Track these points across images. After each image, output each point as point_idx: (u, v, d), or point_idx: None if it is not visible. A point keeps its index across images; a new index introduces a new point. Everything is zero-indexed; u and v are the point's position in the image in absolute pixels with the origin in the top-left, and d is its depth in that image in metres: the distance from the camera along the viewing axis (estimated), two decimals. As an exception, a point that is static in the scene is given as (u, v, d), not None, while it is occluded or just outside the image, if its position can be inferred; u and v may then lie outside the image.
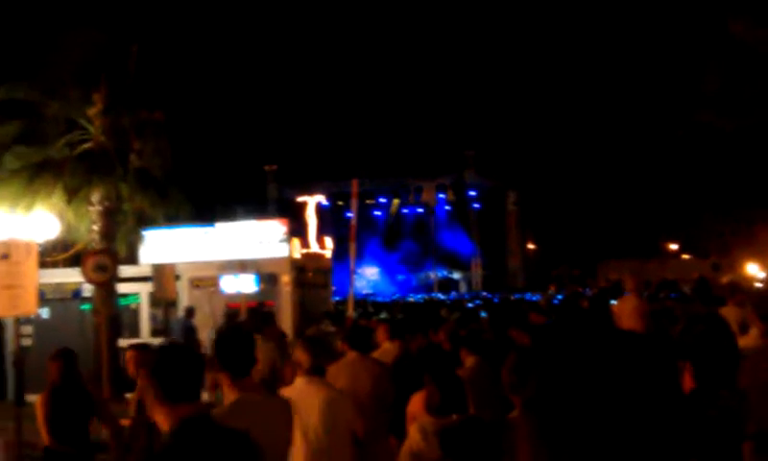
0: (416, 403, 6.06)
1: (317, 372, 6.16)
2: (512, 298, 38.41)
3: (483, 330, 11.08)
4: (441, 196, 63.20)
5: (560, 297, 31.74)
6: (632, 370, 1.52)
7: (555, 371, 1.55)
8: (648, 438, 1.50)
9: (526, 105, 71.28)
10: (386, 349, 8.89)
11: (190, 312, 18.39)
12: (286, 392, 6.29)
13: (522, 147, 63.71)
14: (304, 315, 19.12)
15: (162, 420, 3.78)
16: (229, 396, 4.81)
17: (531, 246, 66.90)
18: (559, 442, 1.51)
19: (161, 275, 17.88)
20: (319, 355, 6.21)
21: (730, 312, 10.04)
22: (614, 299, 15.37)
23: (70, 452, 7.69)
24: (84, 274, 15.80)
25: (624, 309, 11.23)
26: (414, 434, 5.35)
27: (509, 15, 79.12)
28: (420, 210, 65.59)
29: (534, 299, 33.22)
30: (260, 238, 20.11)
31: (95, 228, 19.55)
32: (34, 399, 8.39)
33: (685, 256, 58.57)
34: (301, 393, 6.11)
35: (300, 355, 6.25)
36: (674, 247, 61.82)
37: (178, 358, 3.90)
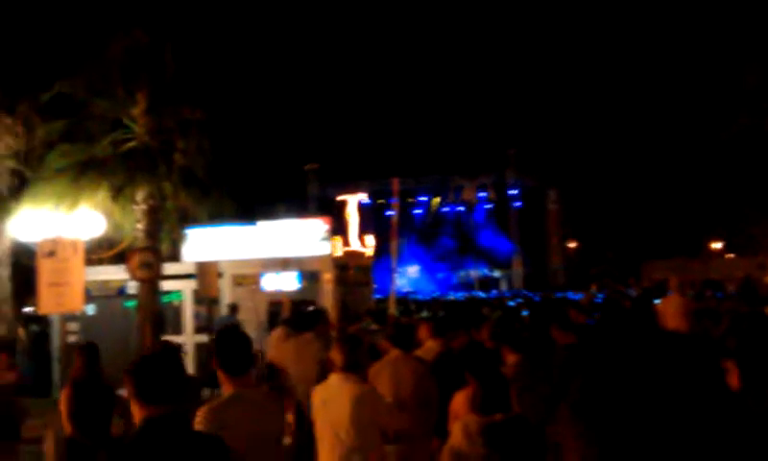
0: (459, 402, 6.06)
1: (351, 369, 6.18)
2: (554, 296, 38.21)
3: (524, 329, 11.05)
4: (481, 195, 63.02)
5: (601, 296, 31.53)
6: (678, 370, 1.52)
7: (600, 374, 1.55)
8: (697, 437, 1.50)
9: (567, 103, 71.00)
10: (429, 347, 8.88)
11: (234, 309, 18.53)
12: (319, 389, 6.34)
13: (564, 146, 63.49)
14: (346, 313, 19.17)
15: (135, 417, 3.99)
16: (227, 391, 5.11)
17: (572, 244, 66.49)
18: (607, 444, 1.52)
19: (204, 272, 18.02)
20: (353, 353, 6.23)
21: (775, 311, 9.95)
22: (658, 298, 15.26)
23: (90, 445, 7.82)
24: (130, 271, 16.01)
25: (668, 309, 11.17)
26: (456, 432, 5.36)
27: (552, 14, 78.81)
28: (461, 209, 65.49)
29: (576, 298, 33.04)
30: (302, 236, 20.20)
31: (139, 226, 19.74)
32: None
33: (730, 256, 57.83)
34: (333, 389, 6.16)
35: (335, 353, 6.31)
36: (718, 246, 61.06)
37: (153, 361, 4.07)
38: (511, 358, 7.20)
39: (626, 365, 1.61)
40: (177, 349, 7.73)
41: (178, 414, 4.05)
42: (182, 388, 4.15)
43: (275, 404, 5.51)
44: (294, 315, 15.12)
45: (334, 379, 6.21)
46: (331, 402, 6.10)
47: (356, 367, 6.22)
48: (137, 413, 3.99)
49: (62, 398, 8.25)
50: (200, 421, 4.86)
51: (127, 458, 3.93)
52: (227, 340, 5.33)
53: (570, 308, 13.64)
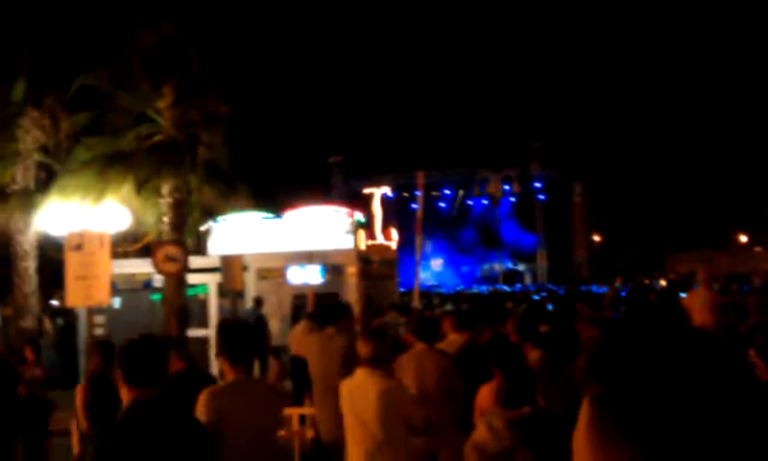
0: (484, 395, 6.04)
1: (377, 363, 6.17)
2: (578, 290, 38.11)
3: (545, 323, 11.03)
4: (506, 187, 62.75)
5: (626, 289, 31.43)
6: (707, 370, 1.51)
7: (628, 368, 1.54)
8: (727, 435, 1.49)
9: (592, 96, 70.59)
10: (452, 340, 8.90)
11: (259, 302, 18.56)
12: (346, 382, 6.34)
13: (588, 138, 63.17)
14: (370, 307, 19.14)
15: (124, 399, 4.40)
16: (228, 378, 5.52)
17: (597, 238, 66.23)
18: (638, 438, 1.51)
19: (229, 266, 18.06)
20: (379, 347, 6.23)
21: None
22: (684, 292, 15.18)
23: None
24: (155, 264, 16.06)
25: (694, 303, 11.08)
26: (480, 427, 5.35)
27: (577, 6, 78.35)
28: (486, 202, 65.29)
29: (600, 291, 32.94)
30: (326, 229, 20.20)
31: (165, 219, 19.85)
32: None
33: (757, 249, 57.48)
34: (359, 384, 6.15)
35: (361, 347, 6.29)
36: (744, 239, 60.69)
37: (139, 348, 4.49)
38: (533, 355, 7.18)
39: (652, 362, 1.59)
40: (164, 339, 8.06)
41: (163, 397, 4.43)
42: (162, 370, 4.56)
43: (274, 395, 5.92)
44: (317, 309, 15.14)
45: (360, 374, 6.21)
46: (358, 397, 6.10)
47: (382, 361, 6.21)
48: (126, 396, 4.37)
49: (77, 391, 8.41)
50: (200, 404, 5.20)
51: (115, 436, 4.28)
52: (229, 331, 5.73)
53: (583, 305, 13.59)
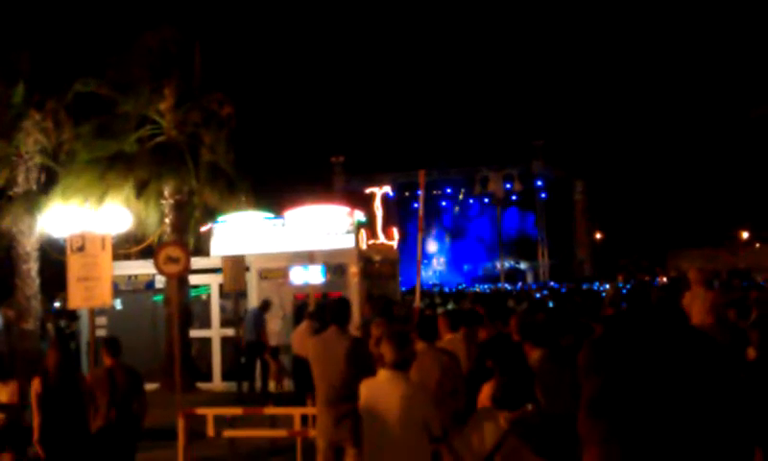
0: (486, 394, 6.06)
1: (399, 366, 6.11)
2: (580, 287, 38.13)
3: (548, 320, 11.04)
4: (508, 186, 62.72)
5: (628, 287, 31.42)
6: (703, 378, 1.52)
7: (622, 373, 1.56)
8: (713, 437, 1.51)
9: (593, 94, 70.67)
10: (447, 339, 8.94)
11: (266, 304, 18.52)
12: (367, 383, 6.30)
13: (590, 136, 63.27)
14: (373, 306, 19.04)
15: None
16: None
17: (598, 236, 66.27)
18: (629, 441, 1.53)
19: (230, 266, 18.06)
20: (403, 350, 6.15)
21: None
22: (686, 289, 15.17)
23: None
24: (157, 266, 16.06)
25: (693, 303, 11.07)
26: (473, 422, 5.38)
27: (579, 5, 78.43)
28: (487, 200, 65.32)
29: (602, 289, 32.94)
30: (328, 229, 20.11)
31: (167, 220, 19.90)
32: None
33: (758, 245, 57.50)
34: (382, 386, 6.10)
35: (385, 349, 6.21)
36: (746, 235, 60.68)
37: None
38: (534, 354, 7.20)
39: (648, 365, 1.61)
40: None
41: None
42: None
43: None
44: (317, 309, 15.16)
45: (383, 375, 6.14)
46: (379, 399, 6.05)
47: (405, 364, 6.15)
48: None
49: (33, 389, 8.62)
50: None
51: None
52: None
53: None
